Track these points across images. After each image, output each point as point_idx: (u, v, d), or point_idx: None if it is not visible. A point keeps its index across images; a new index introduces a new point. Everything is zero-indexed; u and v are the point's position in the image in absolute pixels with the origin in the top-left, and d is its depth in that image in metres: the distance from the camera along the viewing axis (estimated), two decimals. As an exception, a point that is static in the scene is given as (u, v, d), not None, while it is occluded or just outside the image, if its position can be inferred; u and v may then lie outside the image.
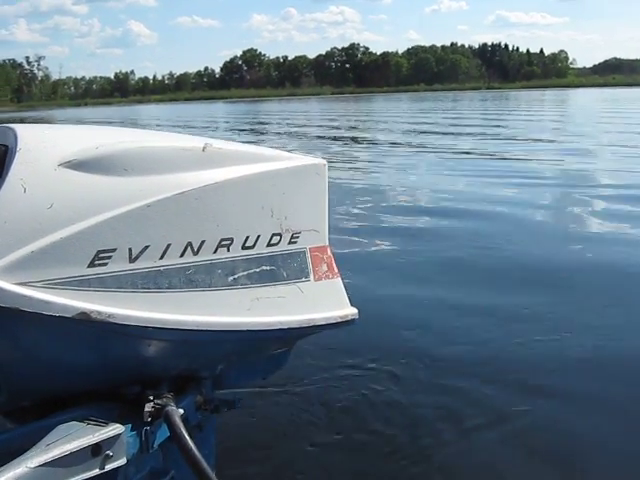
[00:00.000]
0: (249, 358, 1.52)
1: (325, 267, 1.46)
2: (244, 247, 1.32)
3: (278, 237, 1.37)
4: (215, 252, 1.28)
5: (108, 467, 1.19)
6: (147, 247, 1.21)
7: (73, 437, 1.17)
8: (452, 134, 19.10)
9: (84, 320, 1.16)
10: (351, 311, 1.49)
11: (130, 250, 1.20)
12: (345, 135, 21.82)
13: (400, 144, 17.02)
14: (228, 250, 1.30)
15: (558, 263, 5.43)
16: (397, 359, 3.57)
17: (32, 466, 1.09)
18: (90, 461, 1.17)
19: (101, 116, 49.34)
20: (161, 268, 1.23)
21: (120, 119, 41.60)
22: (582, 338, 3.76)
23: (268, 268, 1.36)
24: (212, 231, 1.29)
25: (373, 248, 6.22)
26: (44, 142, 1.24)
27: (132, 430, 1.25)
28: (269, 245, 1.36)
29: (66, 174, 1.19)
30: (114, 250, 1.19)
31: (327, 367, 3.52)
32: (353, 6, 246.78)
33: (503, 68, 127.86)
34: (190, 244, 1.26)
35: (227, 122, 35.21)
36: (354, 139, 19.96)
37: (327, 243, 1.47)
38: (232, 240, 1.31)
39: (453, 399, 3.13)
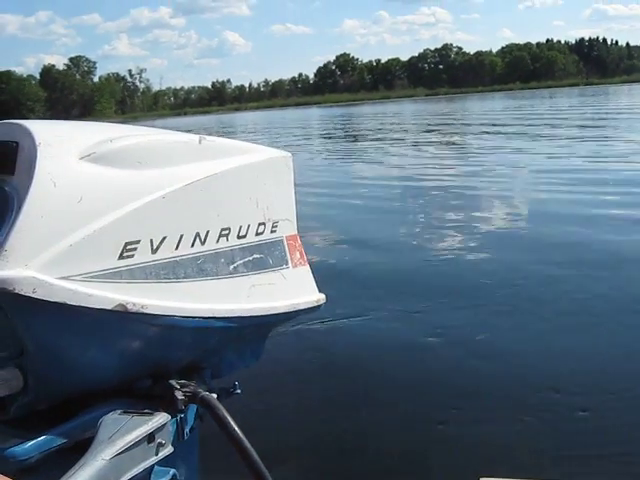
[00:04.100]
0: (244, 344, 1.55)
1: (298, 255, 1.51)
2: (239, 236, 1.37)
3: (263, 226, 1.42)
4: (218, 242, 1.33)
5: (161, 454, 1.24)
6: (165, 238, 1.25)
7: (128, 428, 1.19)
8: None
9: (121, 312, 1.18)
10: (322, 296, 1.56)
11: (151, 241, 1.23)
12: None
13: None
14: (227, 239, 1.35)
15: None
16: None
17: (107, 458, 1.12)
18: (148, 450, 1.22)
19: (199, 125, 50.64)
20: (177, 258, 1.27)
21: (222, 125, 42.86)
22: None
23: (259, 256, 1.41)
24: (214, 221, 1.33)
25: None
26: (60, 137, 1.25)
27: (172, 418, 1.29)
28: (257, 234, 1.41)
29: (88, 167, 1.21)
30: (139, 242, 1.22)
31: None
32: (445, 6, 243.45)
33: (602, 63, 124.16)
34: (198, 234, 1.30)
35: (334, 128, 36.14)
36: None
37: (297, 232, 1.52)
38: (230, 230, 1.35)
39: None
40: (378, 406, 3.48)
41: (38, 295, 1.11)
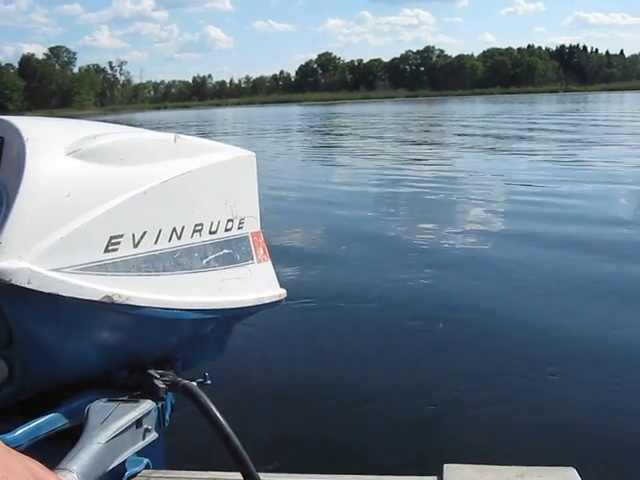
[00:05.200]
0: (213, 336, 1.58)
1: (262, 251, 1.56)
2: (210, 232, 1.42)
3: (231, 223, 1.47)
4: (192, 237, 1.37)
5: (147, 439, 1.28)
6: (145, 232, 1.29)
7: (117, 414, 1.23)
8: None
9: (107, 303, 1.22)
10: (283, 291, 1.61)
11: (133, 235, 1.27)
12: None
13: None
14: (200, 235, 1.39)
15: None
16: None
17: (103, 442, 1.16)
18: (136, 434, 1.26)
19: (181, 119, 50.39)
20: (157, 252, 1.31)
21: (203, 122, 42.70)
22: None
23: (228, 251, 1.46)
24: (189, 217, 1.37)
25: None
26: (45, 133, 1.28)
27: (156, 405, 1.32)
28: (226, 230, 1.46)
29: (74, 163, 1.24)
30: (122, 236, 1.25)
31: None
32: (428, 9, 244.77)
33: (581, 70, 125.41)
34: (175, 229, 1.34)
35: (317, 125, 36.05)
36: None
37: (260, 229, 1.57)
38: (202, 225, 1.40)
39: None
40: (345, 395, 3.52)
41: (32, 286, 1.14)
